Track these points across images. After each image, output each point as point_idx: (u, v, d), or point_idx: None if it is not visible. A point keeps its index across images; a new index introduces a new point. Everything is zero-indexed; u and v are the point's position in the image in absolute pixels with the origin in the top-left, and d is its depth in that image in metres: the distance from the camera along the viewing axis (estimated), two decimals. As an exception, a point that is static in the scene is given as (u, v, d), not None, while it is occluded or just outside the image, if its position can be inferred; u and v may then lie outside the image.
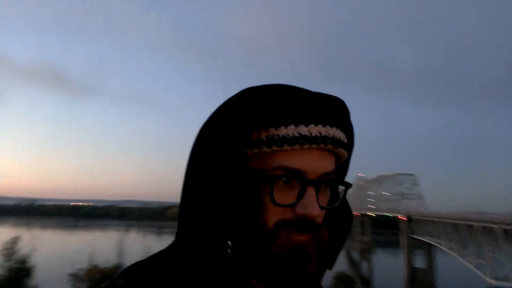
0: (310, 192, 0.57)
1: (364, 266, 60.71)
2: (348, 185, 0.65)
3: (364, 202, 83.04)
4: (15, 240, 24.42)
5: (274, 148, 0.57)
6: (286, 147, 0.56)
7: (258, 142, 0.58)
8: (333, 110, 0.62)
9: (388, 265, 59.73)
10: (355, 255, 71.05)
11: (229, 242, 0.58)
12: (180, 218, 0.61)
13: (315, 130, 0.58)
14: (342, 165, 0.68)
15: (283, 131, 0.57)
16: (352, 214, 0.73)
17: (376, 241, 76.71)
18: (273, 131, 0.57)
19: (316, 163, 0.58)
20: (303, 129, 0.57)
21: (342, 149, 0.62)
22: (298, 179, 0.58)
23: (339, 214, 0.70)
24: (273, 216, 0.57)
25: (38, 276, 24.35)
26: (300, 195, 0.57)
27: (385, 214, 71.17)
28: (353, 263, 61.52)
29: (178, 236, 0.62)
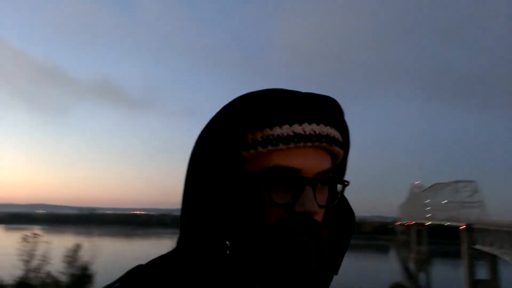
0: (308, 190, 0.58)
1: (422, 277, 57.87)
2: (345, 184, 0.65)
3: (420, 211, 79.47)
4: (77, 248, 25.86)
5: (270, 148, 0.57)
6: (281, 146, 0.57)
7: (253, 143, 0.58)
8: (326, 109, 0.62)
9: (448, 277, 56.37)
10: (411, 266, 67.98)
11: (227, 243, 0.58)
12: (180, 224, 0.62)
13: (309, 128, 0.59)
14: (340, 165, 0.69)
15: (277, 130, 0.58)
16: (353, 214, 0.72)
17: (433, 252, 72.96)
18: (267, 131, 0.58)
19: (312, 161, 0.59)
20: (297, 128, 0.58)
21: (337, 147, 0.62)
22: (295, 178, 0.58)
23: (340, 214, 0.70)
24: (272, 216, 0.58)
25: (98, 283, 25.58)
26: (298, 194, 0.57)
27: (443, 223, 67.58)
28: (409, 274, 58.88)
29: (179, 241, 0.62)
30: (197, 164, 0.60)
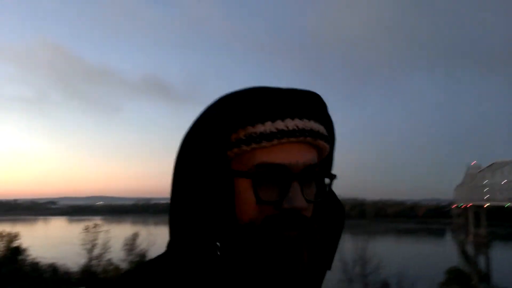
0: (295, 186, 0.57)
1: (481, 261, 55.23)
2: (333, 177, 0.65)
3: (478, 192, 75.52)
4: (135, 236, 27.15)
5: (253, 145, 0.57)
6: (264, 143, 0.57)
7: (237, 142, 0.58)
8: (308, 104, 0.62)
9: (509, 260, 53.35)
10: (469, 250, 65.02)
11: (218, 244, 0.57)
12: (169, 226, 0.62)
13: (292, 123, 0.58)
14: (327, 158, 0.68)
15: (260, 128, 0.58)
16: (343, 208, 0.71)
17: (493, 234, 69.26)
18: (250, 129, 0.58)
19: (297, 156, 0.58)
20: (280, 124, 0.58)
21: (322, 141, 0.62)
22: (281, 174, 0.58)
23: (330, 209, 0.69)
24: (260, 214, 0.57)
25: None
26: (285, 190, 0.57)
27: (503, 204, 63.77)
28: (467, 258, 56.40)
29: (168, 244, 0.62)
30: (183, 166, 0.60)
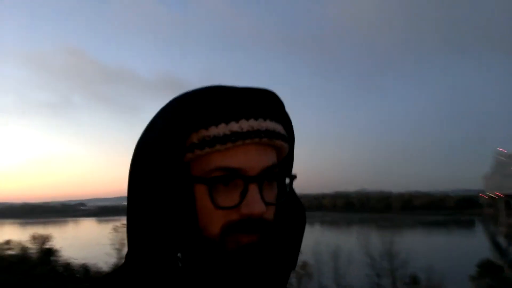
0: (253, 189, 0.56)
1: (514, 252, 53.49)
2: (293, 177, 0.63)
3: (508, 181, 73.08)
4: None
5: (207, 149, 0.55)
6: (218, 146, 0.55)
7: (191, 146, 0.56)
8: (264, 103, 0.60)
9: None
10: (501, 241, 63.11)
11: (179, 255, 0.56)
12: (127, 237, 0.60)
13: (246, 125, 0.57)
14: (287, 158, 0.67)
15: (213, 131, 0.56)
16: (303, 208, 0.71)
17: (527, 224, 66.89)
18: (203, 133, 0.56)
19: (254, 158, 0.57)
20: (234, 126, 0.56)
21: (279, 141, 0.60)
22: (238, 178, 0.56)
23: (291, 209, 0.68)
24: (218, 220, 0.56)
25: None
26: (243, 194, 0.55)
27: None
28: (499, 250, 54.76)
29: (127, 256, 0.60)
30: (138, 173, 0.58)
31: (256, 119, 0.58)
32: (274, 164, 0.60)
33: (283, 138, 0.62)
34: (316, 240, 39.61)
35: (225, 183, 0.56)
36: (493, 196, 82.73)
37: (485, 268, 28.03)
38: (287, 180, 0.65)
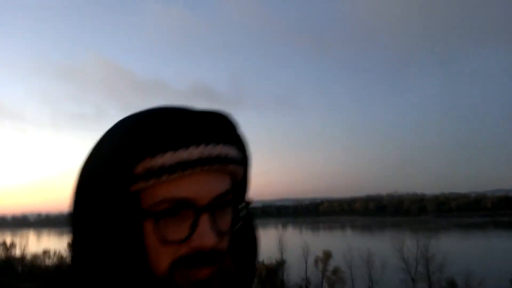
0: (204, 219, 0.52)
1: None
2: (248, 203, 0.60)
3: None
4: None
5: (154, 180, 0.51)
6: (165, 177, 0.51)
7: (136, 177, 0.51)
8: (216, 127, 0.57)
9: None
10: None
11: None
12: (69, 277, 0.55)
13: (196, 151, 0.52)
14: (241, 182, 0.63)
15: (160, 160, 0.51)
16: (256, 234, 0.67)
17: None
18: (149, 163, 0.51)
19: (206, 187, 0.53)
20: (183, 154, 0.52)
21: (232, 165, 0.57)
22: (188, 208, 0.52)
23: (245, 235, 0.64)
24: (167, 256, 0.52)
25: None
26: (193, 226, 0.51)
27: None
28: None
29: None
30: (80, 207, 0.54)
31: (207, 144, 0.54)
32: (228, 190, 0.56)
33: (236, 162, 0.58)
34: (348, 245, 39.07)
35: (174, 215, 0.52)
36: (535, 196, 78.68)
37: (528, 272, 26.80)
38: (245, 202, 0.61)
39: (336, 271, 35.85)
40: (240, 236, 0.62)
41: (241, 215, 0.60)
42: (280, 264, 36.92)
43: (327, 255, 37.32)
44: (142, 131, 0.53)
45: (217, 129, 0.57)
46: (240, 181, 0.62)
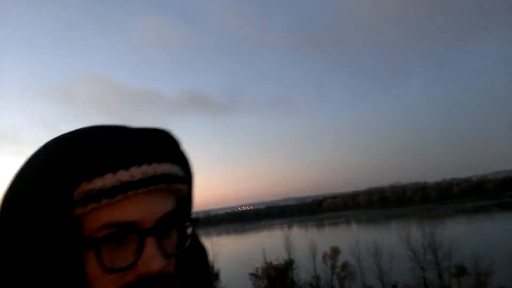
0: (150, 243, 0.49)
1: None
2: (195, 222, 0.57)
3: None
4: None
5: (92, 205, 0.47)
6: (105, 201, 0.47)
7: (73, 203, 0.47)
8: (157, 144, 0.53)
9: None
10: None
11: None
12: None
13: (138, 172, 0.49)
14: (186, 199, 0.60)
15: (98, 183, 0.48)
16: (205, 251, 0.64)
17: None
18: (86, 187, 0.47)
19: (149, 208, 0.50)
20: (124, 175, 0.48)
21: (177, 184, 0.54)
22: (132, 233, 0.49)
23: (194, 254, 0.61)
24: (111, 286, 0.48)
25: (223, 279, 27.45)
26: (139, 251, 0.48)
27: None
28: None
29: None
30: (8, 240, 0.48)
31: (149, 163, 0.51)
32: (173, 209, 0.54)
33: (181, 180, 0.55)
34: (354, 239, 39.01)
35: (117, 241, 0.48)
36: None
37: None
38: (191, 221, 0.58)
39: (345, 266, 35.76)
40: (188, 255, 0.59)
41: (188, 233, 0.57)
42: (289, 264, 36.78)
43: (335, 251, 37.23)
44: (74, 153, 0.48)
45: (159, 146, 0.53)
46: (185, 198, 0.59)
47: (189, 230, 0.57)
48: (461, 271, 29.93)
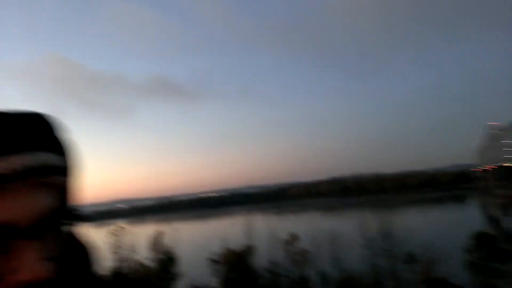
0: (22, 248, 0.42)
1: (507, 223, 54.35)
2: (77, 218, 0.50)
3: (501, 153, 73.92)
4: (159, 235, 27.67)
5: None
6: None
7: None
8: (30, 131, 0.45)
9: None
10: (495, 213, 64.08)
11: None
12: None
13: (5, 164, 0.41)
14: (66, 192, 0.51)
15: None
16: (88, 250, 0.57)
17: (520, 194, 67.91)
18: None
19: (23, 206, 0.42)
20: None
21: (55, 176, 0.47)
22: (6, 235, 0.41)
23: (77, 254, 0.54)
24: None
25: (182, 264, 27.39)
26: (14, 256, 0.41)
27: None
28: (493, 221, 55.58)
29: None
30: None
31: (19, 153, 0.43)
32: (50, 206, 0.46)
33: (59, 172, 0.48)
34: (313, 226, 39.89)
35: None
36: (486, 168, 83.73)
37: (481, 240, 28.51)
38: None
39: (302, 252, 36.60)
40: (70, 256, 0.51)
41: (68, 229, 0.50)
42: (249, 250, 37.16)
43: (294, 238, 37.96)
44: None
45: (32, 134, 0.45)
46: (65, 191, 0.50)
47: (71, 228, 0.50)
48: (411, 258, 31.34)
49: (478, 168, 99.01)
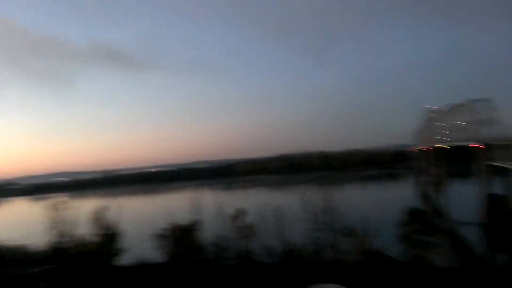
0: None
1: (438, 199, 58.80)
2: None
3: (437, 135, 78.59)
4: (102, 209, 26.84)
5: None
6: None
7: None
8: None
9: (466, 196, 57.10)
10: (428, 190, 68.94)
11: None
12: None
13: None
14: None
15: None
16: None
17: (452, 173, 73.28)
18: None
19: None
20: None
21: None
22: None
23: None
24: None
25: (125, 239, 26.80)
26: None
27: (461, 144, 67.07)
28: (426, 198, 59.86)
29: None
30: None
31: None
32: None
33: None
34: (261, 202, 40.61)
35: None
36: (421, 149, 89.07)
37: (414, 215, 30.57)
38: None
39: (249, 226, 37.24)
40: None
41: None
42: (195, 224, 37.14)
43: (241, 213, 38.42)
44: None
45: None
46: None
47: None
48: (350, 232, 32.98)
49: (414, 149, 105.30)
